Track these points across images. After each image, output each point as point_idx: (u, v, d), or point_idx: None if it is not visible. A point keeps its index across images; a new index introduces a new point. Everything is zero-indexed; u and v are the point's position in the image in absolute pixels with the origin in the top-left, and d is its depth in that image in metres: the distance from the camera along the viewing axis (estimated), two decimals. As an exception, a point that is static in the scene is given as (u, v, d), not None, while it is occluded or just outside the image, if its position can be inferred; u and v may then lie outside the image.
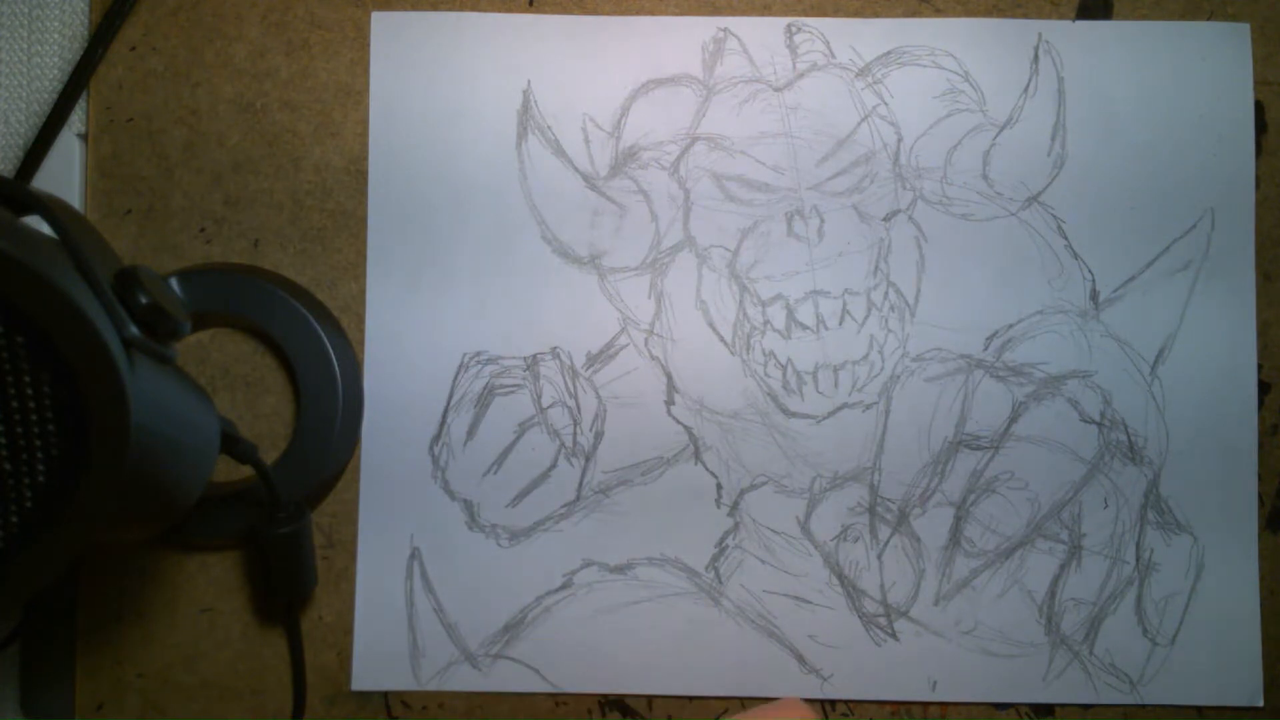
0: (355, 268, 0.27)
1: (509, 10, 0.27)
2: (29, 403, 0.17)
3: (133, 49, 0.26)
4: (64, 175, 0.26)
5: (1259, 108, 0.26)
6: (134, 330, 0.18)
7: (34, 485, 0.17)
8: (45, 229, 0.18)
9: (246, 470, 0.25)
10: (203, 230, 0.27)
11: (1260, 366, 0.26)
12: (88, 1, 0.26)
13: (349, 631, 0.26)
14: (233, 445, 0.23)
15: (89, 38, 0.26)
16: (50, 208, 0.18)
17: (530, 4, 0.27)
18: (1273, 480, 0.26)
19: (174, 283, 0.26)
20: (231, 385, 0.27)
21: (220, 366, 0.27)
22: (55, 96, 0.26)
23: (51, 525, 0.17)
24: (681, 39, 0.27)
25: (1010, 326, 0.27)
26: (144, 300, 0.18)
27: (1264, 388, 0.26)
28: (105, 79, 0.26)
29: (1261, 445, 0.26)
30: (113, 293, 0.18)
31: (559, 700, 0.26)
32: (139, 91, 0.26)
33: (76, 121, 0.26)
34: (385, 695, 0.26)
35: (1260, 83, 0.26)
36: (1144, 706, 0.26)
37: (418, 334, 0.26)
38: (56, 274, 0.17)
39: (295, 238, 0.27)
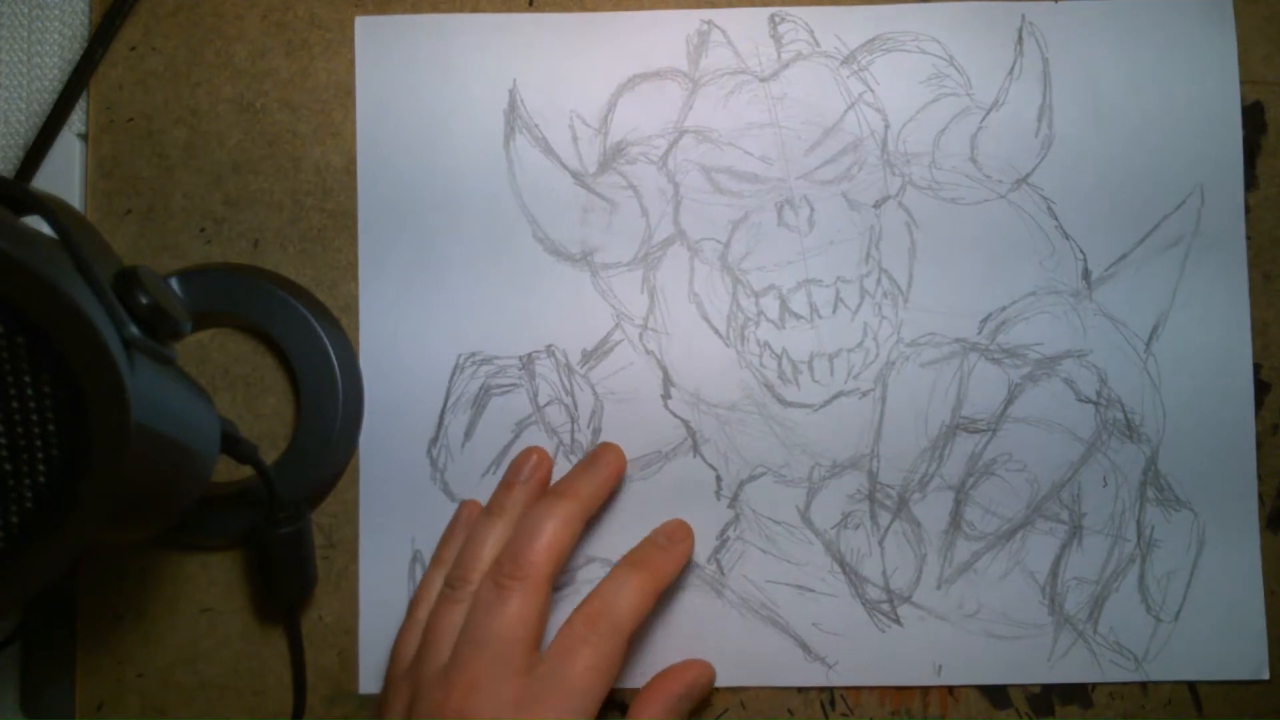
0: (355, 268, 0.27)
1: (509, 10, 0.27)
2: (29, 403, 0.17)
3: (133, 49, 0.27)
4: (64, 175, 0.26)
5: (1259, 107, 0.26)
6: (134, 330, 0.18)
7: (34, 485, 0.17)
8: (45, 229, 0.18)
9: (246, 470, 0.25)
10: (203, 230, 0.27)
11: (1260, 366, 0.26)
12: (88, 1, 0.27)
13: (349, 632, 0.26)
14: (233, 445, 0.23)
15: (89, 38, 0.26)
16: (50, 208, 0.18)
17: (530, 4, 0.27)
18: (1273, 480, 0.26)
19: (174, 283, 0.26)
20: (231, 385, 0.27)
21: (220, 366, 0.27)
22: (55, 96, 0.26)
23: (52, 525, 0.17)
24: (665, 33, 0.27)
25: (1003, 309, 0.27)
26: (144, 300, 0.18)
27: (1264, 387, 0.26)
28: (105, 79, 0.27)
29: (1261, 445, 0.26)
30: (113, 293, 0.18)
31: (562, 699, 0.26)
32: (139, 91, 0.27)
33: (76, 121, 0.27)
34: (387, 695, 0.26)
35: (1260, 83, 0.26)
36: (1145, 704, 0.26)
37: (412, 336, 0.27)
38: (56, 274, 0.17)
39: (295, 238, 0.27)
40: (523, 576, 0.23)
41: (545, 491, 0.26)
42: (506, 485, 0.26)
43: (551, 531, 0.23)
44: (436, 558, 0.25)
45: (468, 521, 0.26)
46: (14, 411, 0.17)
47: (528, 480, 0.25)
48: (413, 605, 0.25)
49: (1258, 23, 0.27)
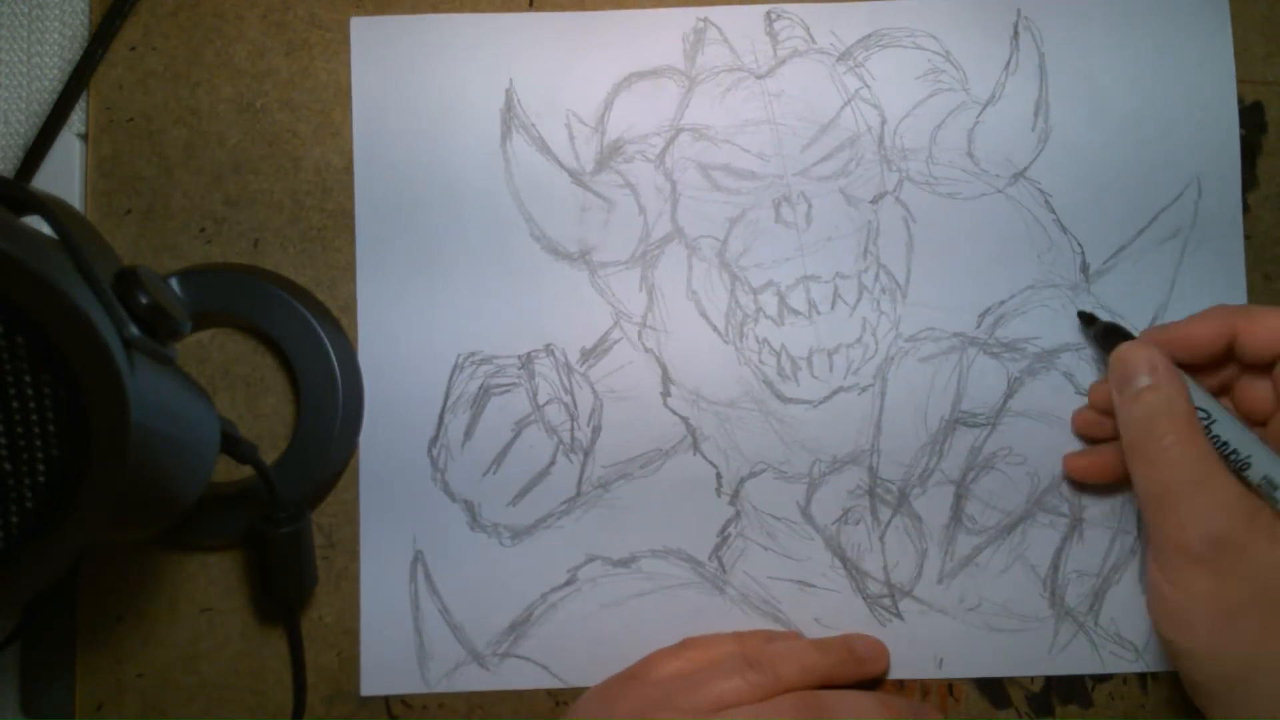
0: (354, 267, 0.27)
1: (510, 9, 0.27)
2: (29, 403, 0.17)
3: (133, 49, 0.27)
4: (64, 175, 0.26)
5: (1259, 107, 0.26)
6: (134, 330, 0.18)
7: (34, 485, 0.17)
8: (45, 229, 0.18)
9: (246, 470, 0.25)
10: (203, 230, 0.27)
11: None
12: (88, 1, 0.27)
13: (349, 632, 0.26)
14: (233, 445, 0.23)
15: (89, 38, 0.26)
16: (50, 208, 0.18)
17: (530, 3, 0.27)
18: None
19: (174, 283, 0.26)
20: (231, 385, 0.27)
21: (220, 366, 0.27)
22: (55, 96, 0.26)
23: (51, 525, 0.17)
24: (662, 31, 0.27)
25: (1002, 303, 0.27)
26: (144, 300, 0.18)
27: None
28: (105, 79, 0.27)
29: (1260, 442, 0.26)
30: (113, 293, 0.18)
31: (559, 699, 0.26)
32: (139, 91, 0.27)
33: (76, 121, 0.27)
34: (385, 696, 0.26)
35: (1260, 82, 0.26)
36: (1145, 703, 0.26)
37: (411, 337, 0.27)
38: (56, 274, 0.17)
39: (295, 238, 0.27)
40: None
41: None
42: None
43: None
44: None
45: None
46: (14, 411, 0.17)
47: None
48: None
49: (1257, 22, 0.27)
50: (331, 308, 0.27)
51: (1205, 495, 0.21)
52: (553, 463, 0.26)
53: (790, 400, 0.27)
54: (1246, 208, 0.27)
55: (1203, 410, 0.22)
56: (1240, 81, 0.27)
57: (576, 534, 0.26)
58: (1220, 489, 0.21)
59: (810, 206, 0.27)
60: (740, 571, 0.26)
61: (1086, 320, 0.25)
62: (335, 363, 0.26)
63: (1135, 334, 0.25)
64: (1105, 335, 0.25)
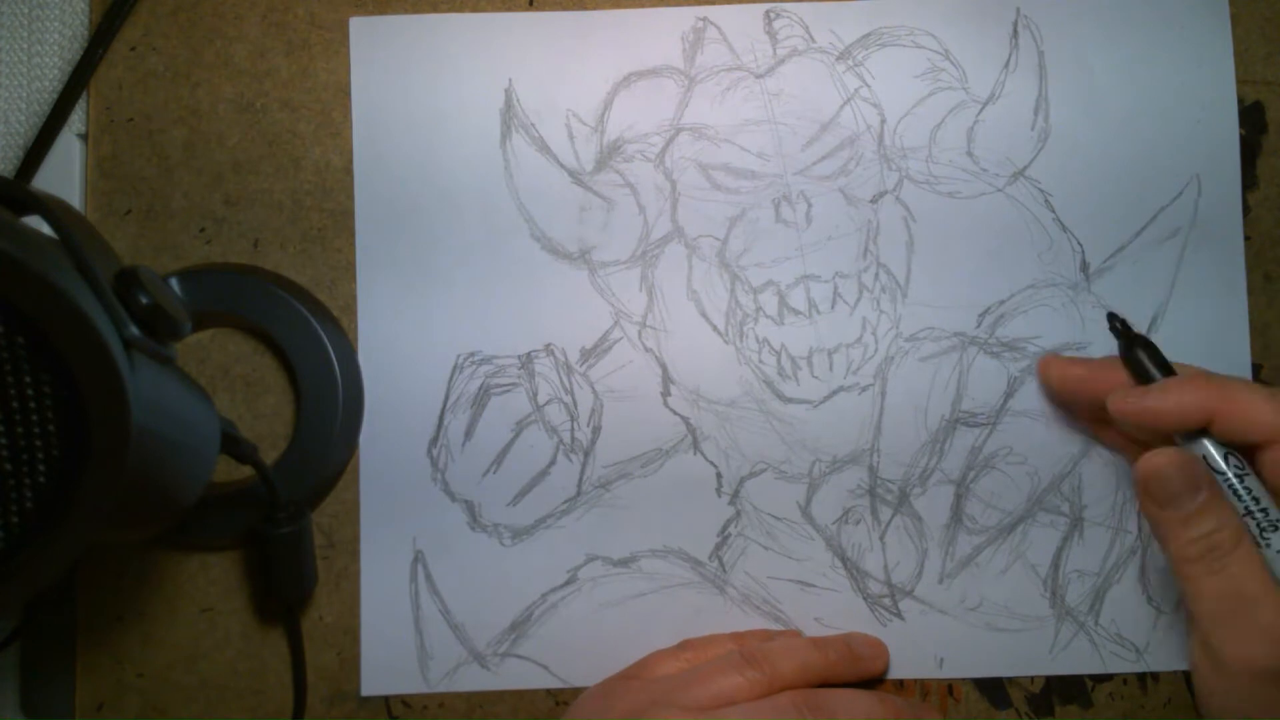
0: (354, 267, 0.27)
1: (510, 9, 0.27)
2: (29, 403, 0.17)
3: (133, 49, 0.27)
4: (64, 175, 0.27)
5: (1259, 107, 0.26)
6: (134, 330, 0.18)
7: (34, 485, 0.17)
8: (45, 229, 0.18)
9: (246, 470, 0.25)
10: (203, 230, 0.27)
11: (1260, 367, 0.26)
12: (88, 1, 0.27)
13: (349, 631, 0.26)
14: (233, 445, 0.23)
15: (89, 38, 0.27)
16: (50, 208, 0.18)
17: (530, 3, 0.27)
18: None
19: (174, 283, 0.26)
20: (231, 385, 0.27)
21: (220, 366, 0.27)
22: (55, 96, 0.26)
23: (52, 525, 0.18)
24: (661, 30, 0.27)
25: (1002, 302, 0.27)
26: (144, 300, 0.18)
27: (1264, 388, 0.26)
28: (105, 79, 0.27)
29: (1261, 447, 0.26)
30: (113, 293, 0.18)
31: (559, 699, 0.26)
32: (139, 91, 0.27)
33: (76, 121, 0.27)
34: (386, 696, 0.26)
35: (1260, 82, 0.26)
36: (1144, 703, 0.26)
37: (411, 337, 0.27)
38: (56, 274, 0.17)
39: (295, 238, 0.27)
40: None
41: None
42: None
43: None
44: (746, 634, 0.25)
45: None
46: (14, 411, 0.17)
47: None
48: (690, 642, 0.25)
49: (1257, 22, 0.27)
50: (331, 308, 0.27)
51: (1273, 611, 0.20)
52: (553, 463, 0.26)
53: (790, 400, 0.27)
54: (1246, 208, 0.27)
55: (1236, 464, 0.22)
56: (1240, 81, 0.27)
57: (576, 534, 0.26)
58: None
59: (810, 206, 0.27)
60: (740, 571, 0.26)
61: (1120, 333, 0.24)
62: (335, 363, 0.26)
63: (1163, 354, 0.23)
64: (1131, 348, 0.23)
